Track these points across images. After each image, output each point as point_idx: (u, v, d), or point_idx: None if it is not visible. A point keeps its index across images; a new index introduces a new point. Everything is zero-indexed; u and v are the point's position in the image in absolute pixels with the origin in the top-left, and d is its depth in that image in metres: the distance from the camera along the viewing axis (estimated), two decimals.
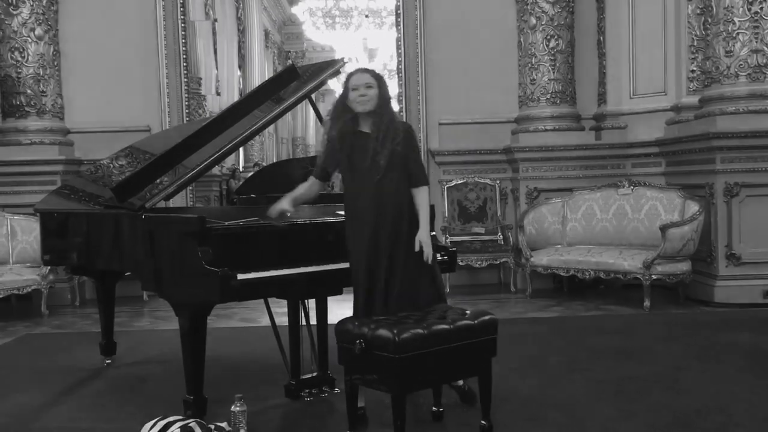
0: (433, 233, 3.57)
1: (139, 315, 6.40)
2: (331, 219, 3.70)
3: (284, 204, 3.44)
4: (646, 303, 5.92)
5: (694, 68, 6.68)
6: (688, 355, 4.49)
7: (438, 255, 3.51)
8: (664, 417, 3.37)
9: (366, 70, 3.41)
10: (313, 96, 4.01)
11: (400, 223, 3.30)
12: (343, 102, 3.38)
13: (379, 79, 3.35)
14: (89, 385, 4.22)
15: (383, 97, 3.33)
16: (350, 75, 3.40)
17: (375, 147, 3.26)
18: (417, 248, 3.26)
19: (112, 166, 4.52)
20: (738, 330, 5.10)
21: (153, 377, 4.30)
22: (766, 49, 5.96)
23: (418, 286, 3.31)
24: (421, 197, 3.35)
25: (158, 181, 3.63)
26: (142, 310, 6.61)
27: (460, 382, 3.51)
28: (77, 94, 7.42)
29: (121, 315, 5.66)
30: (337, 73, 4.12)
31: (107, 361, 4.58)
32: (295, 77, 3.96)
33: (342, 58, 4.41)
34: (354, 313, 3.31)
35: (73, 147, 7.33)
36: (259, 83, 7.40)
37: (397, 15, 7.81)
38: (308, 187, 3.50)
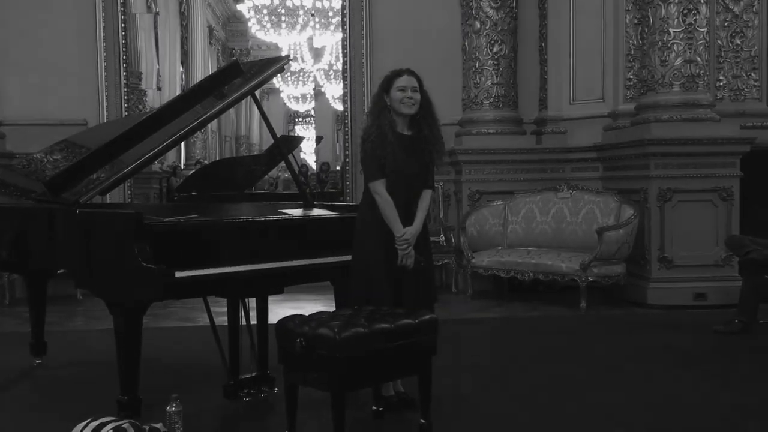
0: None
1: (72, 315, 6.20)
2: (274, 217, 3.66)
3: (412, 233, 3.37)
4: (583, 304, 6.06)
5: (631, 76, 6.88)
6: (621, 355, 4.62)
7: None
8: (597, 415, 3.46)
9: (413, 73, 3.41)
10: (257, 93, 3.96)
11: (425, 225, 3.47)
12: (383, 98, 3.38)
13: (422, 84, 3.41)
14: (18, 386, 4.08)
15: (426, 102, 3.40)
16: (396, 74, 3.39)
17: (423, 150, 3.37)
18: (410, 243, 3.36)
19: (45, 160, 4.37)
20: (669, 331, 5.27)
21: (86, 378, 4.17)
22: (699, 59, 6.18)
23: (429, 287, 3.49)
24: (429, 199, 3.49)
25: (94, 176, 3.53)
26: (76, 309, 6.40)
27: (401, 389, 3.53)
28: (10, 85, 7.17)
29: (54, 314, 5.47)
30: (281, 70, 4.07)
31: (37, 362, 4.43)
32: (238, 74, 3.89)
33: (287, 56, 4.37)
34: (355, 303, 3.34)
35: (5, 140, 7.07)
36: (201, 79, 7.27)
37: (343, 15, 7.80)
38: (387, 194, 3.33)
